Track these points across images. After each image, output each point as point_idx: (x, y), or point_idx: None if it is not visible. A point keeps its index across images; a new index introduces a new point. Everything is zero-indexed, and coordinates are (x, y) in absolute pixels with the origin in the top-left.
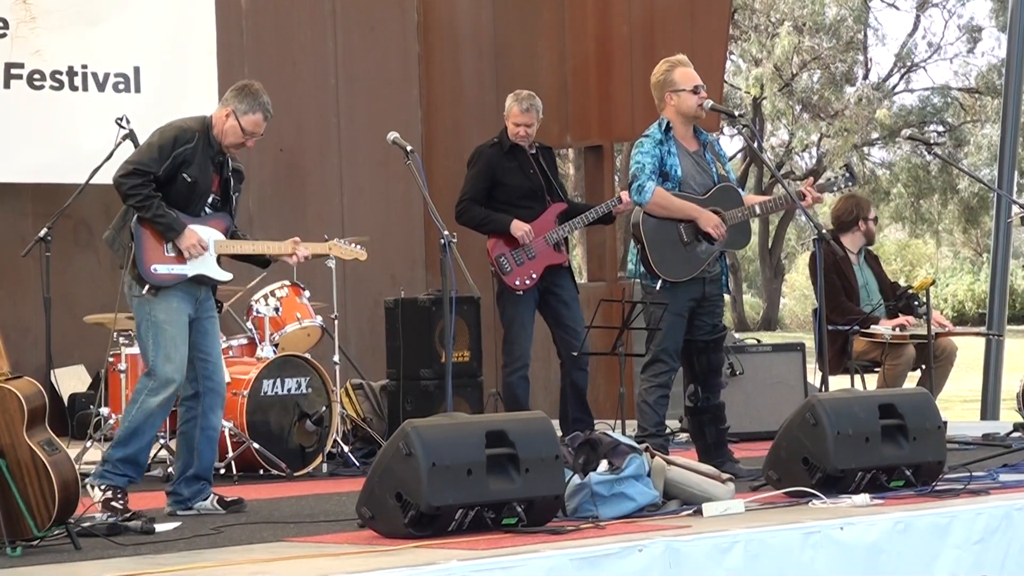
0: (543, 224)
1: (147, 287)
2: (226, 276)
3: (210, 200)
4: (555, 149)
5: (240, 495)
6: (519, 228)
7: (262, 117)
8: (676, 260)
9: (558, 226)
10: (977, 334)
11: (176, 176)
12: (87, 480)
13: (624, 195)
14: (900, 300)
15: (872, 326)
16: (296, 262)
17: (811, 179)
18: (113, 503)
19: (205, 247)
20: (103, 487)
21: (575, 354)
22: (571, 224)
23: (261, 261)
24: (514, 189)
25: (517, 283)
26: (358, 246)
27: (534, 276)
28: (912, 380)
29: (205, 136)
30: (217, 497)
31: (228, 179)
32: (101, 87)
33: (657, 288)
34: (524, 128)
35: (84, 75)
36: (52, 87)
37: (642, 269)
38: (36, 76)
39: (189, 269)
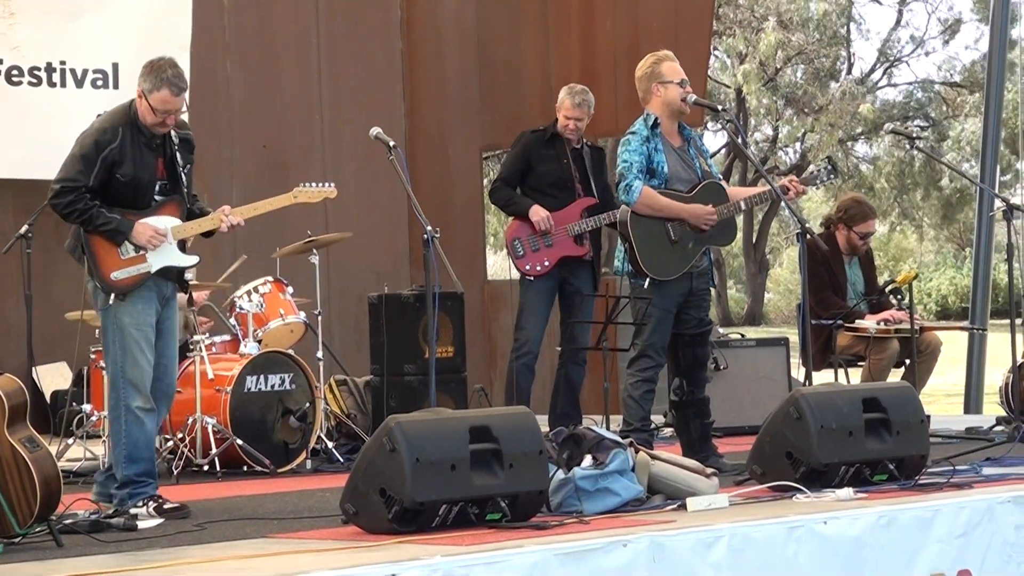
0: (567, 215)
1: (112, 295)
2: (192, 260)
3: (157, 188)
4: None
5: (183, 500)
6: (537, 213)
7: (168, 93)
8: (664, 259)
9: (582, 219)
10: (961, 328)
11: (110, 179)
12: (116, 516)
13: None
14: (882, 294)
15: (857, 321)
16: (228, 230)
17: (793, 176)
18: (165, 507)
19: (164, 235)
20: (140, 503)
21: (558, 348)
22: (595, 219)
23: (203, 234)
24: (544, 176)
25: (528, 268)
26: (328, 184)
27: (547, 264)
28: (897, 375)
29: (132, 126)
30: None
31: (173, 156)
32: (80, 83)
33: (645, 286)
34: (574, 122)
35: (63, 71)
36: (31, 83)
37: (629, 267)
38: (14, 72)
39: (153, 263)
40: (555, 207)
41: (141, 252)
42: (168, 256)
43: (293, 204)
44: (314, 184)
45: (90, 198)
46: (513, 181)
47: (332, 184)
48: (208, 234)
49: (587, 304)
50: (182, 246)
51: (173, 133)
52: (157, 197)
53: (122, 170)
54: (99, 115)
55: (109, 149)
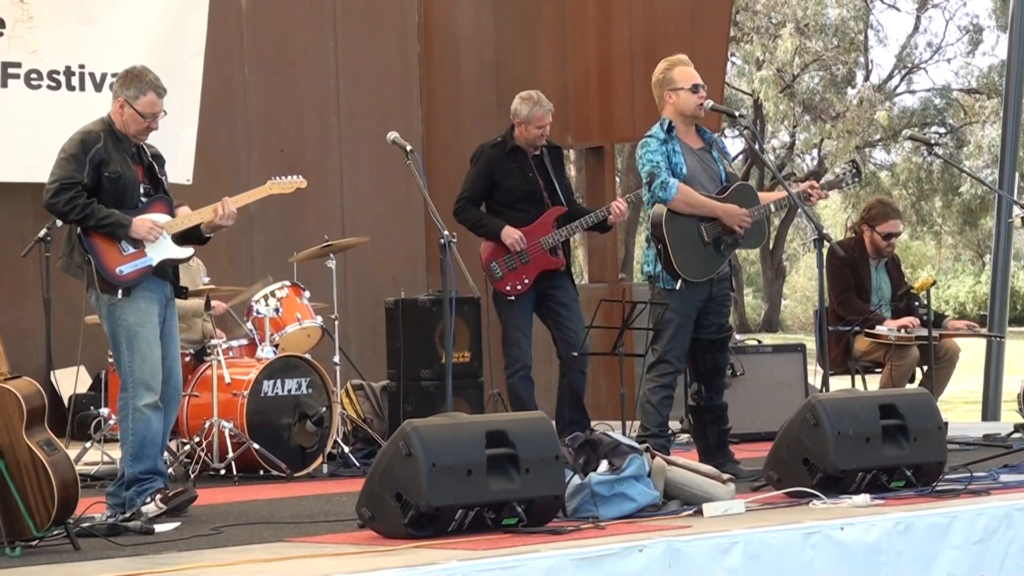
0: (539, 228)
1: (119, 291)
2: (187, 252)
3: (141, 191)
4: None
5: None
6: (509, 236)
7: (155, 96)
8: (697, 260)
9: (555, 230)
10: (980, 335)
11: (99, 178)
12: (131, 519)
13: (616, 205)
14: (901, 300)
15: (876, 327)
16: (227, 221)
17: (814, 181)
18: (170, 495)
19: (161, 227)
20: (149, 499)
21: (575, 354)
22: (567, 229)
23: (199, 239)
24: (511, 191)
25: (508, 288)
26: (297, 176)
27: (527, 281)
28: (915, 383)
29: (111, 133)
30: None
31: (151, 165)
32: (99, 87)
33: (677, 288)
34: (546, 130)
35: (82, 75)
36: (49, 86)
37: (659, 268)
38: (33, 75)
39: (153, 257)
40: (526, 221)
41: (140, 248)
42: (165, 250)
43: (268, 196)
44: (286, 176)
45: (87, 195)
46: (477, 199)
47: (301, 176)
48: (203, 240)
49: (575, 312)
50: (177, 242)
51: (144, 146)
52: (142, 199)
53: (109, 168)
54: None
55: (95, 149)
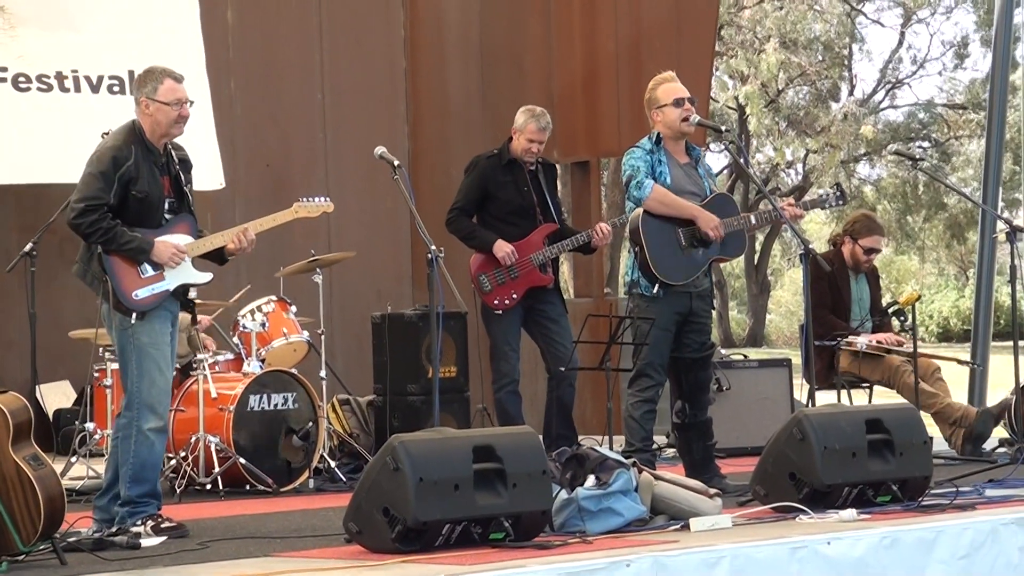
0: (530, 244)
1: (133, 315)
2: (206, 277)
3: (167, 206)
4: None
5: (183, 520)
6: (501, 249)
7: (172, 81)
8: (674, 263)
9: (546, 247)
10: (957, 361)
11: (126, 196)
12: (118, 536)
13: (598, 228)
14: (885, 315)
15: (852, 337)
16: (247, 249)
17: (791, 199)
18: (163, 525)
19: (184, 253)
20: (140, 522)
21: (563, 369)
22: (558, 246)
23: (219, 258)
24: (505, 204)
25: (496, 303)
26: (323, 199)
27: (515, 296)
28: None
29: (141, 144)
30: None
31: (177, 175)
32: (95, 88)
33: (654, 291)
34: (537, 145)
35: (76, 78)
36: (40, 89)
37: (637, 274)
38: (21, 79)
39: (171, 282)
40: (517, 236)
41: (159, 271)
42: (184, 274)
43: (294, 219)
44: (313, 199)
45: (111, 217)
46: (470, 210)
47: (328, 199)
48: (222, 261)
49: (564, 327)
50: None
51: (172, 152)
52: (167, 216)
53: (137, 187)
54: (104, 134)
55: (126, 167)
